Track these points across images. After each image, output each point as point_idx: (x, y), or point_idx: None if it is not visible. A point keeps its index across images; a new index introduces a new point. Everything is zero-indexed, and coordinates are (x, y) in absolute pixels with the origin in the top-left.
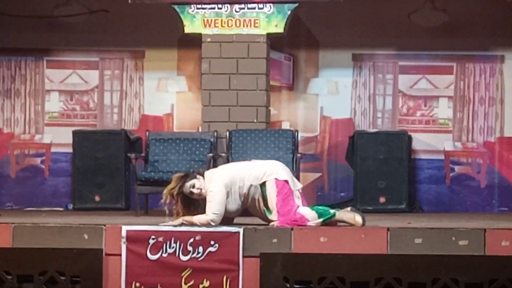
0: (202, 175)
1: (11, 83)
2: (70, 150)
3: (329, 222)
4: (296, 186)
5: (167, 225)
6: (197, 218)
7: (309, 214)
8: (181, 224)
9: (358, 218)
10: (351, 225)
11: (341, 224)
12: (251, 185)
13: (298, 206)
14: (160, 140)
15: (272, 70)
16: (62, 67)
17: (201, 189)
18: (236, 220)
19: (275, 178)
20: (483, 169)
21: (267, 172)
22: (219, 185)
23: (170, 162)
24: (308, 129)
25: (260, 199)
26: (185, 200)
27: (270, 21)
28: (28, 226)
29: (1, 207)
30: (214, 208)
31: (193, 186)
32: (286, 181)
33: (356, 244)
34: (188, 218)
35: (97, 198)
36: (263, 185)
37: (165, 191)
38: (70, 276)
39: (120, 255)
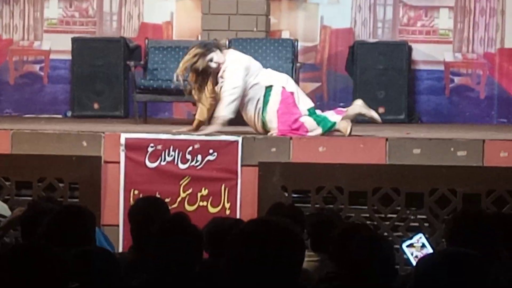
0: (220, 49)
1: None
2: (69, 57)
3: (329, 132)
4: (307, 104)
5: (182, 132)
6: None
7: (309, 122)
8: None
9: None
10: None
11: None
12: (257, 83)
13: (300, 116)
14: (159, 48)
15: None
16: None
17: (219, 63)
18: (234, 129)
19: (283, 87)
20: (482, 80)
21: (277, 78)
22: (241, 66)
23: (169, 70)
24: (308, 38)
25: (261, 102)
26: (197, 74)
27: None
28: (27, 132)
29: (0, 114)
30: (235, 83)
31: (211, 60)
32: (292, 93)
33: (354, 154)
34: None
35: (96, 106)
36: (268, 88)
37: (180, 64)
38: (69, 183)
39: (119, 162)
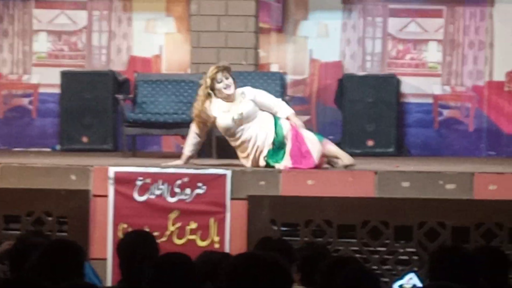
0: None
1: None
2: (58, 90)
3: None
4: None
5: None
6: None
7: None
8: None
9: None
10: (336, 158)
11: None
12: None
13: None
14: (148, 81)
15: (262, 12)
16: (50, 7)
17: (230, 86)
18: (223, 162)
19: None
20: (471, 113)
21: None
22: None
23: (158, 104)
24: (297, 71)
25: (271, 130)
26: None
27: None
28: (16, 166)
29: None
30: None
31: (227, 78)
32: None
33: (343, 187)
34: None
35: (84, 139)
36: (278, 118)
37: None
38: (57, 217)
39: (108, 196)
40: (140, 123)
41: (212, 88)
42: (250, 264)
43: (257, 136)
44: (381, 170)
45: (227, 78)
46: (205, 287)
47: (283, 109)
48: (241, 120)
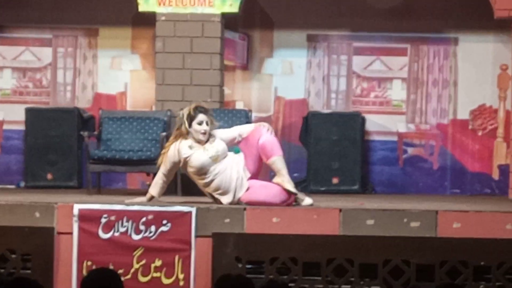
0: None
1: None
2: (22, 127)
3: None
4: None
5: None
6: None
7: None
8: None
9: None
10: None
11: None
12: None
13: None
14: (113, 118)
15: (227, 49)
16: (14, 44)
17: (206, 133)
18: (188, 199)
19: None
20: (436, 151)
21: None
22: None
23: (123, 141)
24: (262, 109)
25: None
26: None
27: (225, 0)
28: None
29: None
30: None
31: (207, 124)
32: None
33: (308, 225)
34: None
35: (49, 176)
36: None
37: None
38: (21, 254)
39: (72, 233)
40: (105, 160)
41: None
42: None
43: (227, 167)
44: (346, 207)
45: (207, 124)
46: None
47: (245, 128)
48: (217, 158)
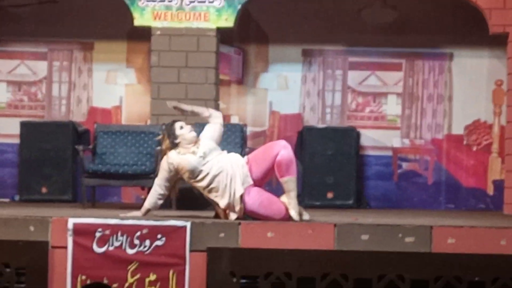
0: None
1: None
2: (17, 141)
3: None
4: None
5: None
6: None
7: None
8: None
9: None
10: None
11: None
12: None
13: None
14: (108, 132)
15: (222, 64)
16: (10, 58)
17: (190, 127)
18: (182, 214)
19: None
20: (430, 166)
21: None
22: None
23: (117, 155)
24: (257, 123)
25: (232, 156)
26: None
27: (220, 15)
28: None
29: None
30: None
31: (182, 127)
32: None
33: (303, 240)
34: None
35: (44, 190)
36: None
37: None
38: (15, 269)
39: (66, 247)
40: (99, 174)
41: (175, 139)
42: None
43: (223, 166)
44: (340, 222)
45: (185, 125)
46: None
47: (215, 115)
48: (206, 154)
